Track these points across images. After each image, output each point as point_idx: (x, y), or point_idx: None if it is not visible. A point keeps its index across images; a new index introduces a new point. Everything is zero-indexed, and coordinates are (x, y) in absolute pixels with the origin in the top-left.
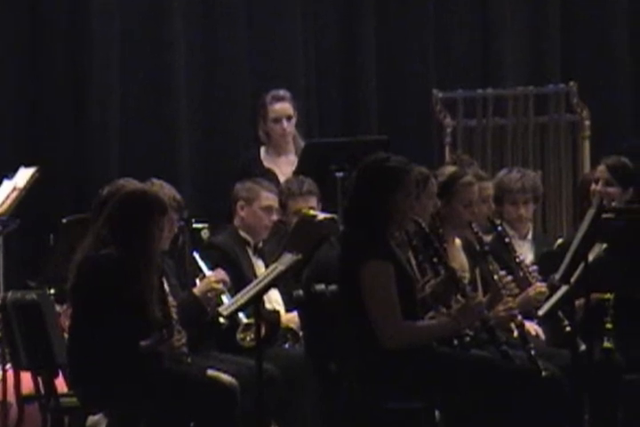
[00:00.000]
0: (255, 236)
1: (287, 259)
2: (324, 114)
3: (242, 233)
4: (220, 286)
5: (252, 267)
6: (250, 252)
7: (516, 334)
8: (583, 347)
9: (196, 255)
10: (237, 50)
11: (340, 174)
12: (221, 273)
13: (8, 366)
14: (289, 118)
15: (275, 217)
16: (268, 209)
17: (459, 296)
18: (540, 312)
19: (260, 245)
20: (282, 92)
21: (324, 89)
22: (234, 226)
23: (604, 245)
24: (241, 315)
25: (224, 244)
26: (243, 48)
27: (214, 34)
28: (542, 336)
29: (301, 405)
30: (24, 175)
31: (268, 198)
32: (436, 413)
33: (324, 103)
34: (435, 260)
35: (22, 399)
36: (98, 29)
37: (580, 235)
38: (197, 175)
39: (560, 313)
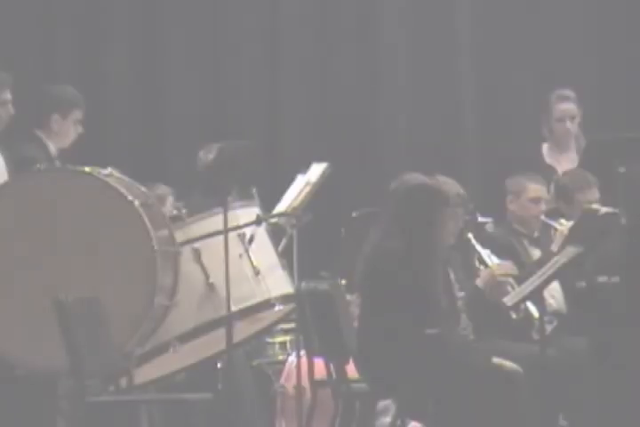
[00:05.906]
0: (527, 227)
1: (569, 251)
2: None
3: (515, 225)
4: (506, 278)
5: (529, 257)
6: (525, 243)
7: None
8: None
9: (480, 249)
10: None
11: (621, 169)
12: (508, 265)
13: (302, 352)
14: (572, 118)
15: (543, 207)
16: (536, 200)
17: None
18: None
19: (535, 235)
20: (567, 92)
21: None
22: (508, 220)
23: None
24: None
25: (501, 236)
26: None
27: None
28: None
29: None
30: (316, 170)
31: (536, 190)
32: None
33: (606, 101)
34: None
35: (315, 384)
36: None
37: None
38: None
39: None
